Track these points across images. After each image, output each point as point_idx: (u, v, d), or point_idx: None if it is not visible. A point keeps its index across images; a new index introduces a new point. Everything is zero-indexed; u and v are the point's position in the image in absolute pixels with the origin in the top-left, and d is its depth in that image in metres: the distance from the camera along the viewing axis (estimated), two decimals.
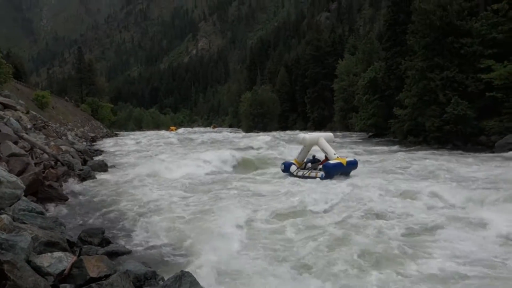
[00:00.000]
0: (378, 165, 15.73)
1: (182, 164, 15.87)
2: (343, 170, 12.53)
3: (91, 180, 12.60)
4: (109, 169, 15.42)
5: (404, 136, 29.36)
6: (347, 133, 50.05)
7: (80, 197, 10.22)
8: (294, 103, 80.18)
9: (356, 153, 20.50)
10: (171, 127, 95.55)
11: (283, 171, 13.58)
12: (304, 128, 70.78)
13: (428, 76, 25.76)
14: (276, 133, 53.14)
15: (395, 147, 25.63)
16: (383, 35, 37.97)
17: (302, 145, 13.99)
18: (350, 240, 6.15)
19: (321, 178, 12.11)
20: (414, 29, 27.50)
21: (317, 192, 9.85)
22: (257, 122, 75.41)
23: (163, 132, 74.19)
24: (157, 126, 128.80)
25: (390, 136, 33.88)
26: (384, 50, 37.15)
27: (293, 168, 13.30)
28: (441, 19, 25.45)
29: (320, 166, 12.87)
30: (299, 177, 12.75)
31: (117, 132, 77.26)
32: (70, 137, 25.37)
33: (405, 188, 10.10)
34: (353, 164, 12.93)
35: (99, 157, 20.91)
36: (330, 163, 12.45)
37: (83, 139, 32.55)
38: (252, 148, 24.72)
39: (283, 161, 14.36)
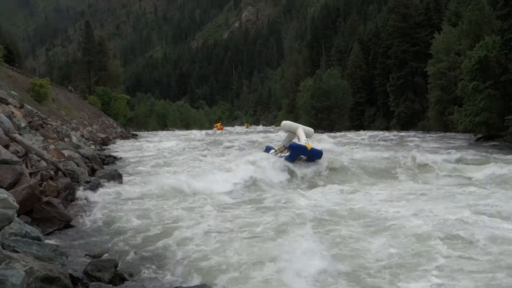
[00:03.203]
0: None
1: (217, 175, 16.16)
2: (306, 154, 18.09)
3: (101, 196, 12.90)
4: (124, 181, 15.73)
5: None
6: (446, 134, 48.79)
7: (87, 217, 10.47)
8: (372, 93, 79.39)
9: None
10: (217, 125, 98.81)
11: (264, 151, 20.65)
12: (386, 128, 69.87)
13: None
14: (348, 135, 52.70)
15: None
16: None
17: (282, 130, 22.07)
18: None
19: (286, 158, 18.20)
20: None
21: None
22: (321, 119, 75.11)
23: (195, 132, 74.93)
24: (186, 124, 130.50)
25: (508, 139, 32.69)
26: (500, 19, 35.93)
27: (271, 151, 20.03)
28: None
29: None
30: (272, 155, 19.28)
31: (134, 133, 79.05)
32: (74, 139, 26.14)
33: None
34: (317, 153, 18.18)
35: (112, 166, 21.43)
36: (295, 143, 18.49)
37: (91, 142, 33.42)
38: None
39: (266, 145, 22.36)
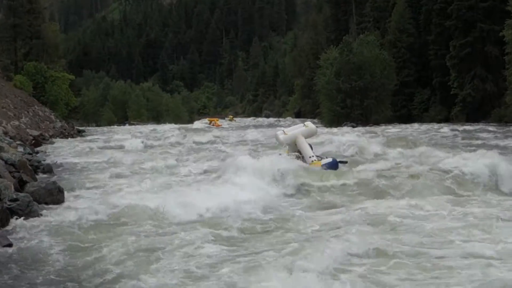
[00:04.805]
0: None
1: (208, 189, 16.00)
2: None
3: (32, 221, 12.75)
4: (66, 200, 15.60)
5: None
6: None
7: (12, 253, 10.35)
8: (425, 68, 79.24)
9: None
10: (213, 119, 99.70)
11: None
12: (446, 118, 69.72)
13: None
14: (391, 129, 52.67)
15: None
16: None
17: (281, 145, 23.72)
18: None
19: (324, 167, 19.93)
20: None
21: None
22: (351, 107, 74.94)
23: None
24: (156, 115, 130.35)
25: None
26: None
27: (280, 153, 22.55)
28: None
29: None
30: None
31: (81, 128, 78.94)
32: None
33: None
34: (330, 166, 19.98)
35: (49, 176, 21.30)
36: None
37: (19, 142, 33.30)
38: None
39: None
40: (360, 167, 20.25)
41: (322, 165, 19.91)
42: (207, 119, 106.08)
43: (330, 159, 20.94)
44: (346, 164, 21.25)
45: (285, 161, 19.79)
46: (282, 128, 24.11)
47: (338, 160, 21.16)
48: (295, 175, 17.92)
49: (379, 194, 16.12)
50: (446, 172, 18.58)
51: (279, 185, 17.35)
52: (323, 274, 8.22)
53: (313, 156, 20.58)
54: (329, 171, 19.31)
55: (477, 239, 10.27)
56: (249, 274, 8.73)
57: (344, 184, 17.53)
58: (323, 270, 8.53)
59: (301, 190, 17.10)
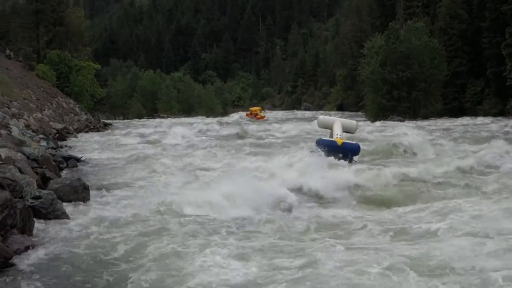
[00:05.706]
0: None
1: (240, 186, 15.75)
2: (338, 150, 22.14)
3: (57, 222, 12.83)
4: (91, 197, 15.68)
5: None
6: None
7: (35, 253, 10.37)
8: (478, 57, 78.35)
9: None
10: (255, 109, 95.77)
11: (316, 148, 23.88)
12: (500, 112, 68.80)
13: None
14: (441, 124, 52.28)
15: None
16: None
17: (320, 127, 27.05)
18: None
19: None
20: None
21: None
22: (397, 100, 74.46)
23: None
24: (187, 108, 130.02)
25: None
26: None
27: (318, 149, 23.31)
28: None
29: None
30: None
31: (107, 121, 79.19)
32: (15, 131, 26.20)
33: None
34: (352, 148, 22.46)
35: (73, 172, 21.40)
36: (322, 139, 23.22)
37: (42, 135, 33.47)
38: None
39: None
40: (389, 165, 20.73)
41: (344, 142, 22.38)
42: (250, 108, 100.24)
43: (354, 142, 23.42)
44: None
45: (315, 159, 20.48)
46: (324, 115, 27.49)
47: None
48: (322, 174, 18.02)
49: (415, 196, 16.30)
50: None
51: (308, 184, 17.20)
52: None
53: (339, 135, 23.12)
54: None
55: None
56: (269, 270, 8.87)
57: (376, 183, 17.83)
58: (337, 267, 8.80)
59: (331, 189, 16.99)
